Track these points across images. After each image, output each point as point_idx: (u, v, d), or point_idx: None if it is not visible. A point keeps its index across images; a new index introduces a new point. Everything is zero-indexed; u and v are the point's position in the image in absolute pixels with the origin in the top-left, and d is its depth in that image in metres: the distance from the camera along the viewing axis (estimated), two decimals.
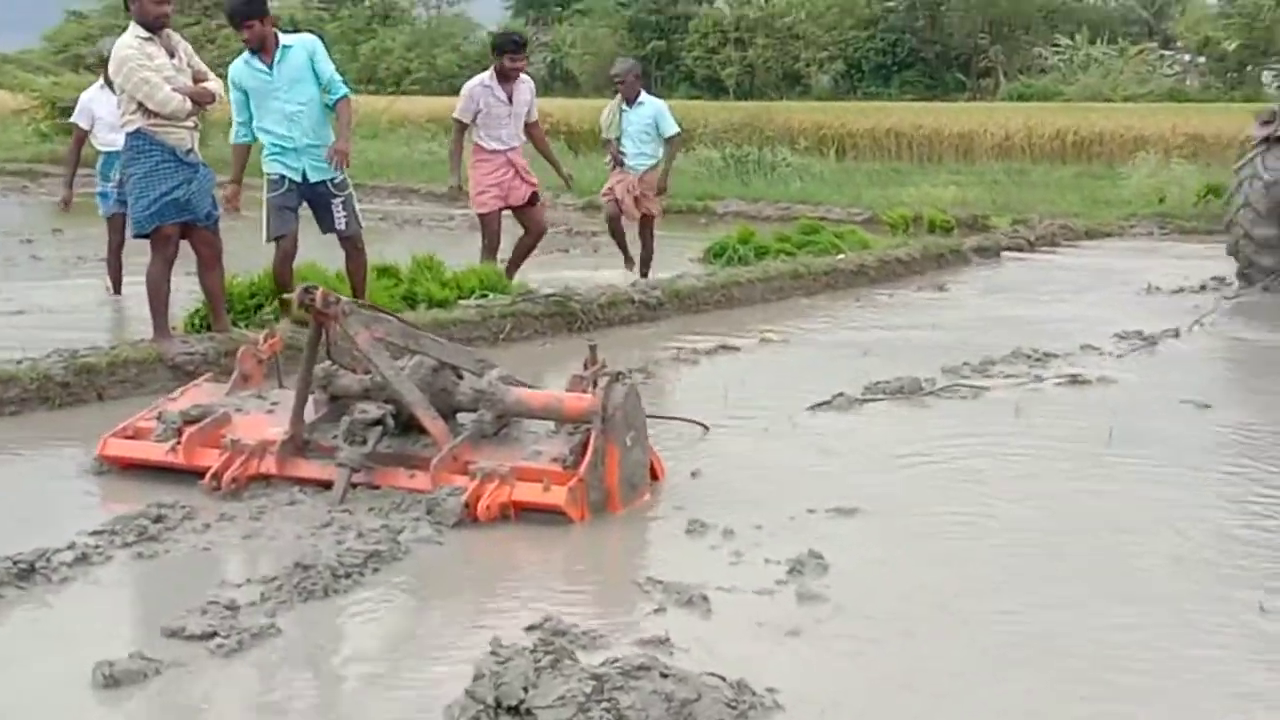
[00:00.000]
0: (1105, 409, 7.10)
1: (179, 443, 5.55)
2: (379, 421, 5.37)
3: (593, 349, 5.85)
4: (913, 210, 16.70)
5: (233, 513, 5.15)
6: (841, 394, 7.24)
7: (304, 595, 4.31)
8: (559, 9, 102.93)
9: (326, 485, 5.36)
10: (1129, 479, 5.86)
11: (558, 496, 5.06)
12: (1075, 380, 7.79)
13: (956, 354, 8.34)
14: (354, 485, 5.31)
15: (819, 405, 7.10)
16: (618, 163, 11.43)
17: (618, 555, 4.99)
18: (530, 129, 10.08)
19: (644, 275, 11.23)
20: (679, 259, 13.09)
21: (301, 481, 5.43)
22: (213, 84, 7.73)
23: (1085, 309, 10.61)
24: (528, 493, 5.13)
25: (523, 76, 9.95)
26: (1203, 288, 11.80)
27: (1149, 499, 5.56)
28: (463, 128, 9.95)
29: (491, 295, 9.27)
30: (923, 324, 9.89)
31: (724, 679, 3.60)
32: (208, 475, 5.39)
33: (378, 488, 5.35)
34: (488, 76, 9.82)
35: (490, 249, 10.07)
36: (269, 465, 5.46)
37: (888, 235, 14.90)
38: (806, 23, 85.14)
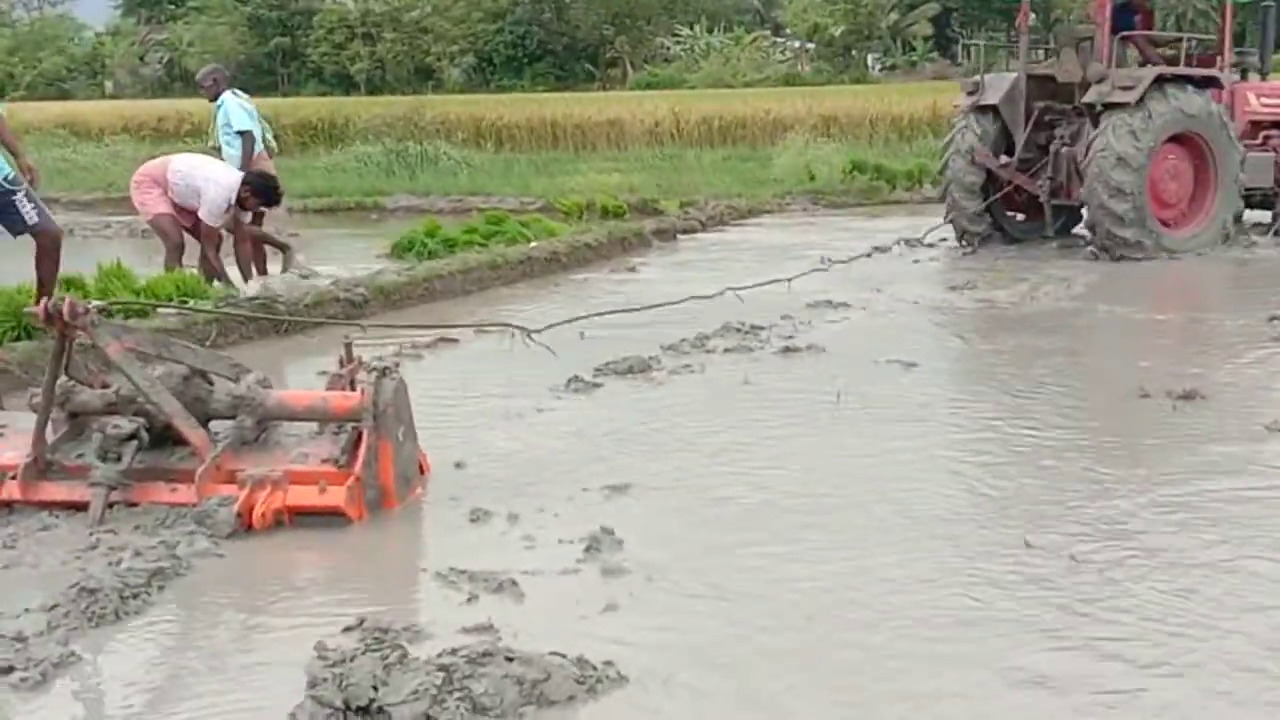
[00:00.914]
0: (823, 373, 7.48)
1: None
2: (133, 436, 5.10)
3: (348, 346, 5.73)
4: (585, 197, 16.99)
5: None
6: (576, 377, 7.35)
7: (94, 620, 4.08)
8: (173, 6, 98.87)
9: (76, 507, 5.06)
10: (869, 435, 6.21)
11: (336, 497, 4.96)
12: (788, 349, 8.16)
13: (669, 331, 8.58)
14: (111, 504, 5.03)
15: (557, 389, 7.18)
16: None
17: (411, 549, 4.93)
18: None
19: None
20: (364, 255, 12.93)
21: (49, 505, 5.10)
22: None
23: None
24: (303, 496, 4.99)
25: None
26: (869, 255, 12.58)
27: (894, 450, 5.91)
28: None
29: (192, 301, 8.89)
30: (629, 303, 10.11)
31: (564, 656, 3.64)
32: None
33: (136, 505, 5.08)
34: None
35: (175, 253, 9.67)
36: (11, 491, 5.10)
37: (564, 222, 15.10)
38: (434, 16, 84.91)
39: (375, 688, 3.44)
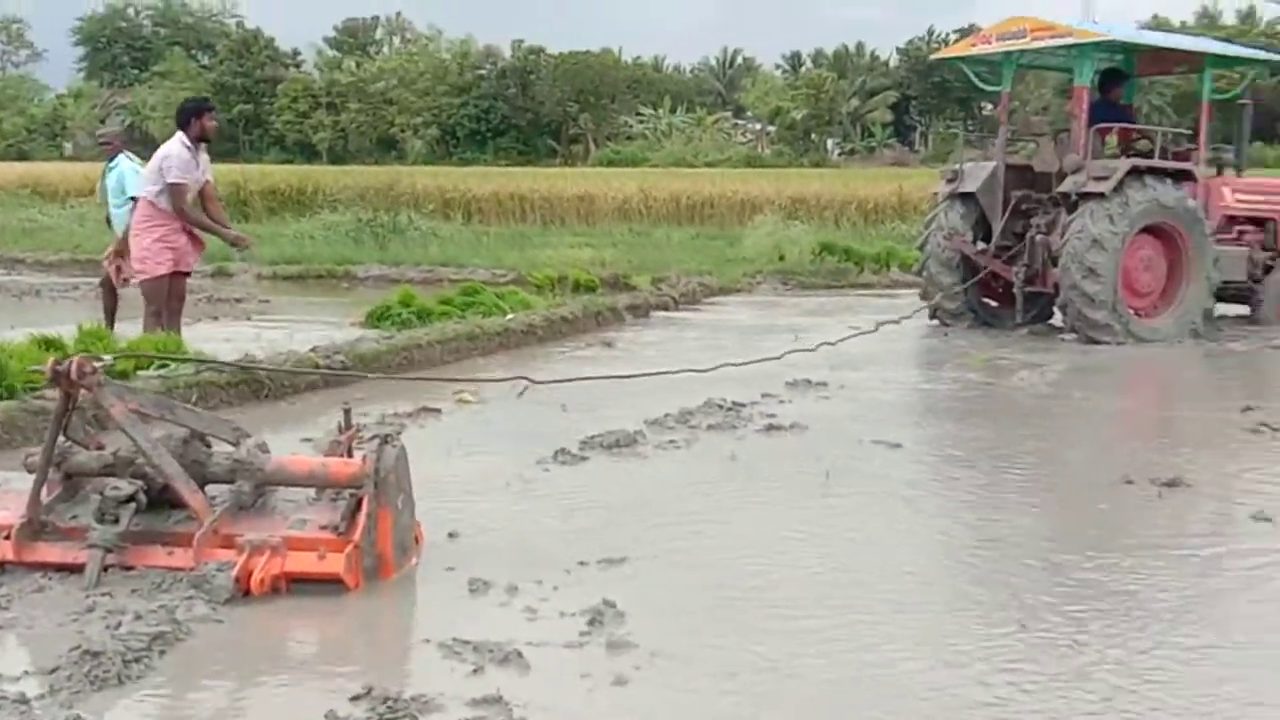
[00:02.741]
0: (808, 452, 7.52)
1: None
2: (131, 498, 5.06)
3: (346, 412, 5.72)
4: (556, 271, 17.06)
5: None
6: (563, 449, 7.35)
7: (97, 684, 4.02)
8: (136, 71, 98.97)
9: (70, 569, 5.00)
10: (860, 512, 6.24)
11: (335, 564, 4.92)
12: (772, 427, 8.20)
13: (651, 406, 8.60)
14: (106, 567, 4.97)
15: (544, 461, 7.18)
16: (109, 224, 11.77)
17: (411, 619, 4.89)
18: (206, 192, 9.79)
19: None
20: (339, 324, 12.93)
21: (43, 567, 5.04)
22: None
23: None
24: (302, 562, 4.95)
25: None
26: (845, 337, 12.67)
27: (887, 529, 5.95)
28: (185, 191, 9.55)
29: (173, 365, 8.84)
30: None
31: None
32: None
33: (132, 568, 5.03)
34: (185, 140, 9.49)
35: (160, 315, 9.63)
36: (5, 552, 5.04)
37: (538, 295, 15.14)
38: (399, 88, 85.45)
39: None
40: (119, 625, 4.44)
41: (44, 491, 5.18)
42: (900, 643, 4.49)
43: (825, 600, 4.94)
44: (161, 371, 8.71)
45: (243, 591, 4.83)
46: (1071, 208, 12.44)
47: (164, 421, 5.23)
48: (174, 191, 9.53)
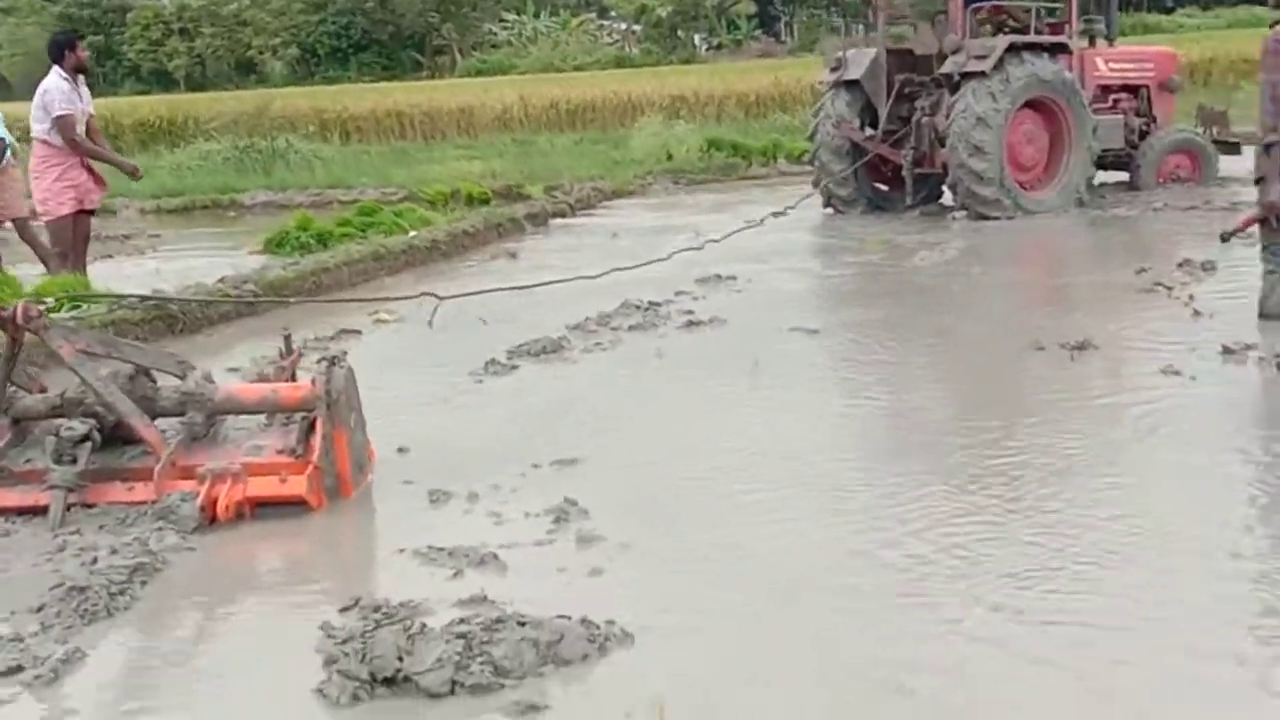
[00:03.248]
0: (730, 344, 7.74)
1: None
2: (86, 437, 5.09)
3: (287, 338, 5.78)
4: (448, 185, 17.02)
5: None
6: (492, 360, 7.47)
7: (87, 618, 4.10)
8: None
9: (30, 511, 5.04)
10: (794, 396, 6.48)
11: (298, 486, 5.02)
12: (691, 323, 8.38)
13: (570, 312, 8.72)
14: (68, 507, 5.02)
15: (476, 373, 7.29)
16: None
17: (381, 532, 5.02)
18: (91, 125, 9.63)
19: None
20: (235, 252, 12.84)
21: (2, 512, 5.07)
22: None
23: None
24: (264, 487, 5.04)
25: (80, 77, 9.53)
26: (741, 229, 12.87)
27: (822, 409, 6.20)
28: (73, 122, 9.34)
29: (85, 305, 8.75)
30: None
31: (569, 618, 3.80)
32: None
33: (93, 506, 5.08)
34: (62, 73, 9.29)
35: (66, 257, 9.51)
36: None
37: (431, 211, 15.10)
38: (253, 9, 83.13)
39: (400, 658, 3.56)
40: (95, 561, 4.49)
41: None
42: (844, 515, 4.73)
43: (771, 483, 5.15)
44: (75, 312, 8.63)
45: (209, 519, 4.91)
46: (954, 88, 12.71)
47: (110, 359, 5.26)
48: (62, 124, 9.36)
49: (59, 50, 9.58)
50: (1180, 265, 9.22)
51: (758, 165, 19.53)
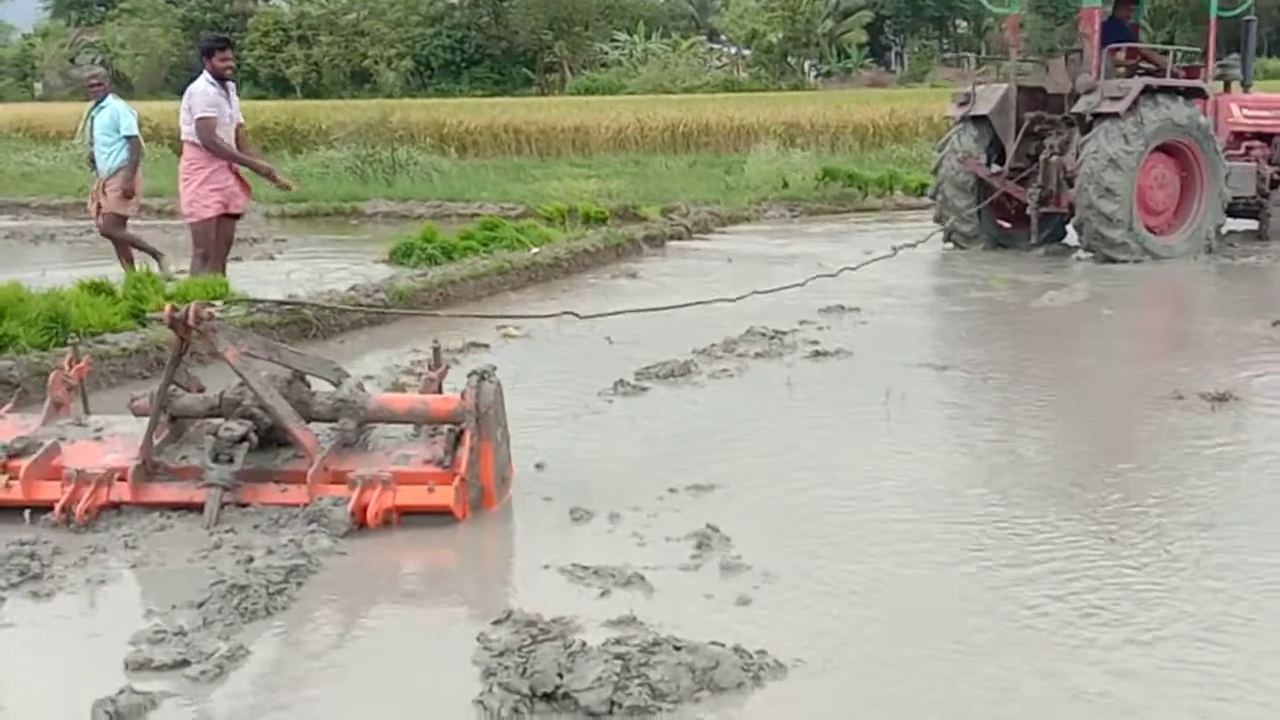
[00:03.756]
0: (858, 376, 7.73)
1: (14, 477, 5.21)
2: (244, 438, 5.22)
3: (436, 350, 5.89)
4: (565, 203, 17.16)
5: (101, 544, 4.90)
6: (621, 380, 7.53)
7: (247, 616, 4.21)
8: (103, 9, 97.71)
9: (181, 508, 5.18)
10: (927, 432, 6.47)
11: (445, 497, 5.10)
12: (818, 353, 8.38)
13: (695, 336, 8.76)
14: (222, 505, 5.15)
15: (605, 393, 7.35)
16: (92, 165, 11.94)
17: (525, 547, 5.07)
18: (238, 135, 9.87)
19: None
20: (362, 261, 13.07)
21: (158, 506, 5.21)
22: None
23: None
24: (412, 496, 5.14)
25: (230, 83, 9.75)
26: (875, 258, 12.86)
27: (958, 446, 6.18)
28: (215, 124, 9.57)
29: (223, 306, 8.95)
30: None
31: (723, 646, 3.82)
32: (56, 509, 5.09)
33: (246, 505, 5.21)
34: (208, 77, 9.53)
35: (208, 258, 9.74)
36: (121, 493, 5.21)
37: (549, 228, 15.23)
38: (371, 20, 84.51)
39: (560, 674, 3.61)
40: (250, 560, 4.62)
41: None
42: (990, 552, 4.73)
43: (915, 517, 5.15)
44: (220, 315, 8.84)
45: (357, 525, 5.01)
46: (1086, 128, 12.60)
47: (270, 363, 5.39)
48: (201, 125, 9.57)
49: (203, 54, 9.83)
50: None
51: (873, 196, 19.45)
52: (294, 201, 19.31)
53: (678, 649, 3.77)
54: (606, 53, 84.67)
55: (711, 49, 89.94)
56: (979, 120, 13.54)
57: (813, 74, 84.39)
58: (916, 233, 14.29)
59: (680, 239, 15.50)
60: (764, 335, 8.88)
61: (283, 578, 4.47)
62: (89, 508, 5.11)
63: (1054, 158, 12.99)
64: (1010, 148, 13.37)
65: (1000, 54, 14.48)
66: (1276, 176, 13.93)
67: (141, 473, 5.23)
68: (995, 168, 13.56)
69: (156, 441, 5.36)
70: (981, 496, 5.43)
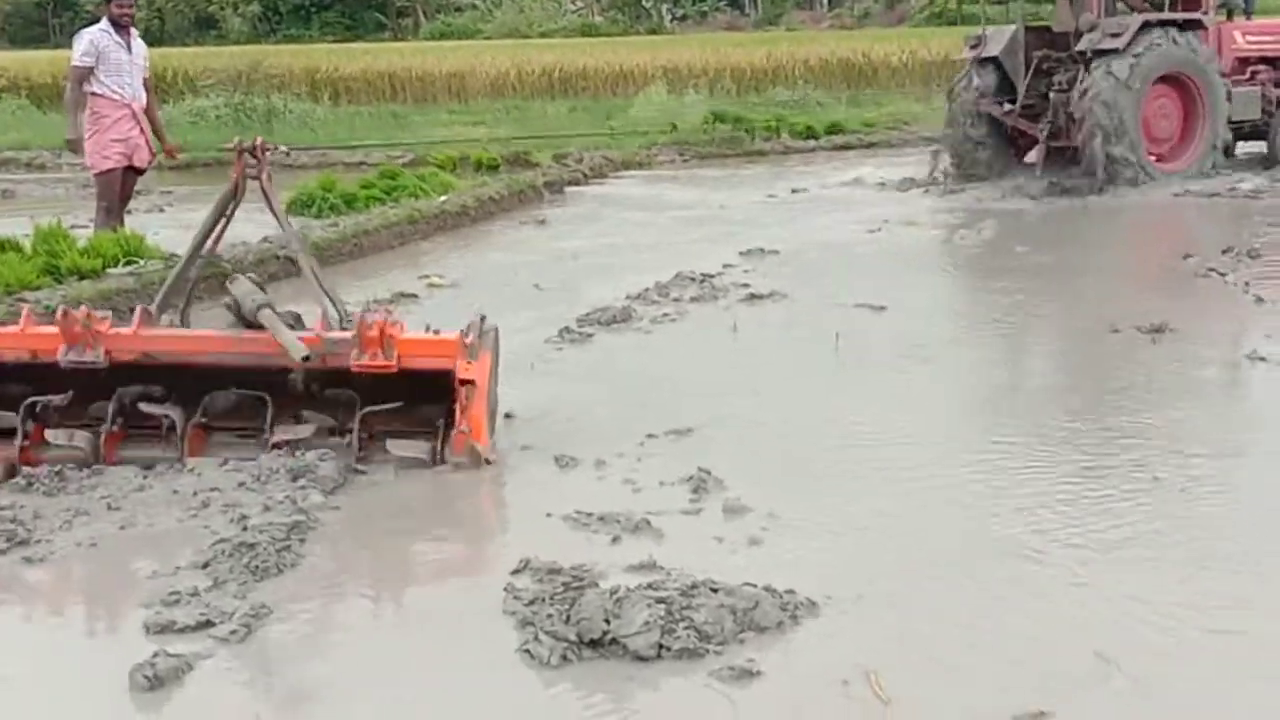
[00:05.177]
0: (801, 318, 7.81)
1: None
2: None
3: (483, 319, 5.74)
4: (456, 150, 16.96)
5: (79, 507, 4.73)
6: (567, 328, 7.49)
7: (259, 574, 4.11)
8: None
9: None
10: (882, 372, 6.58)
11: (448, 349, 5.06)
12: (753, 296, 8.43)
13: (626, 282, 8.75)
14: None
15: (552, 340, 7.31)
16: None
17: (522, 495, 4.98)
18: (145, 84, 9.53)
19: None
20: (259, 212, 12.72)
21: None
22: None
23: (682, 235, 11.30)
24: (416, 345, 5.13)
25: (133, 29, 9.40)
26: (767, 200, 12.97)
27: (918, 385, 6.32)
28: (84, 75, 9.15)
29: (141, 261, 8.71)
30: (563, 255, 10.29)
31: (756, 586, 3.85)
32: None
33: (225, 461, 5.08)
34: (105, 25, 9.17)
35: (113, 211, 9.42)
36: None
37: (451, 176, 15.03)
38: None
39: (607, 620, 3.60)
40: (244, 518, 4.51)
41: None
42: (969, 484, 4.84)
43: (896, 455, 5.23)
44: (132, 267, 8.59)
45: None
46: (1089, 65, 13.03)
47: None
48: (72, 72, 9.26)
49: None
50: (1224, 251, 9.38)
51: (760, 140, 19.53)
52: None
53: (715, 591, 3.78)
54: None
55: None
56: (989, 61, 13.86)
57: (669, 18, 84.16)
58: (813, 175, 14.39)
59: (578, 184, 15.42)
60: (693, 280, 8.90)
61: (285, 535, 4.37)
62: None
63: (1061, 94, 13.39)
64: (1021, 86, 13.76)
65: None
66: None
67: None
68: (1008, 106, 13.84)
69: None
70: (957, 431, 5.54)
